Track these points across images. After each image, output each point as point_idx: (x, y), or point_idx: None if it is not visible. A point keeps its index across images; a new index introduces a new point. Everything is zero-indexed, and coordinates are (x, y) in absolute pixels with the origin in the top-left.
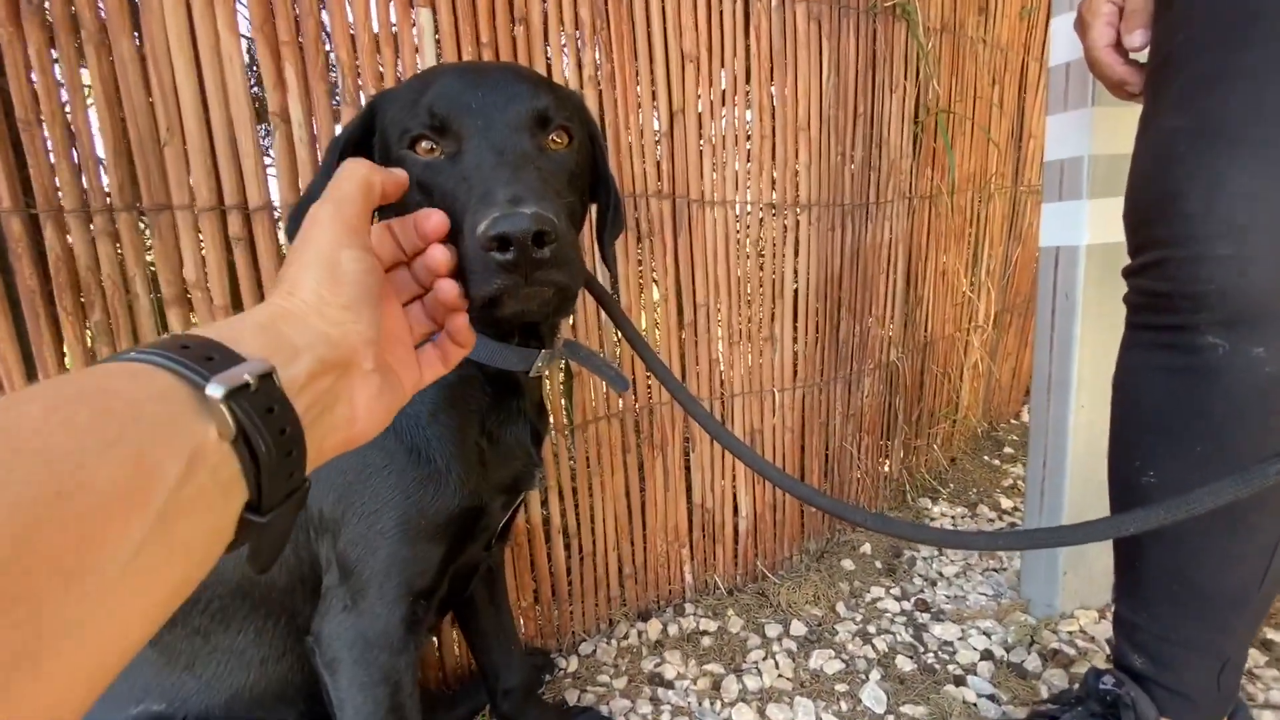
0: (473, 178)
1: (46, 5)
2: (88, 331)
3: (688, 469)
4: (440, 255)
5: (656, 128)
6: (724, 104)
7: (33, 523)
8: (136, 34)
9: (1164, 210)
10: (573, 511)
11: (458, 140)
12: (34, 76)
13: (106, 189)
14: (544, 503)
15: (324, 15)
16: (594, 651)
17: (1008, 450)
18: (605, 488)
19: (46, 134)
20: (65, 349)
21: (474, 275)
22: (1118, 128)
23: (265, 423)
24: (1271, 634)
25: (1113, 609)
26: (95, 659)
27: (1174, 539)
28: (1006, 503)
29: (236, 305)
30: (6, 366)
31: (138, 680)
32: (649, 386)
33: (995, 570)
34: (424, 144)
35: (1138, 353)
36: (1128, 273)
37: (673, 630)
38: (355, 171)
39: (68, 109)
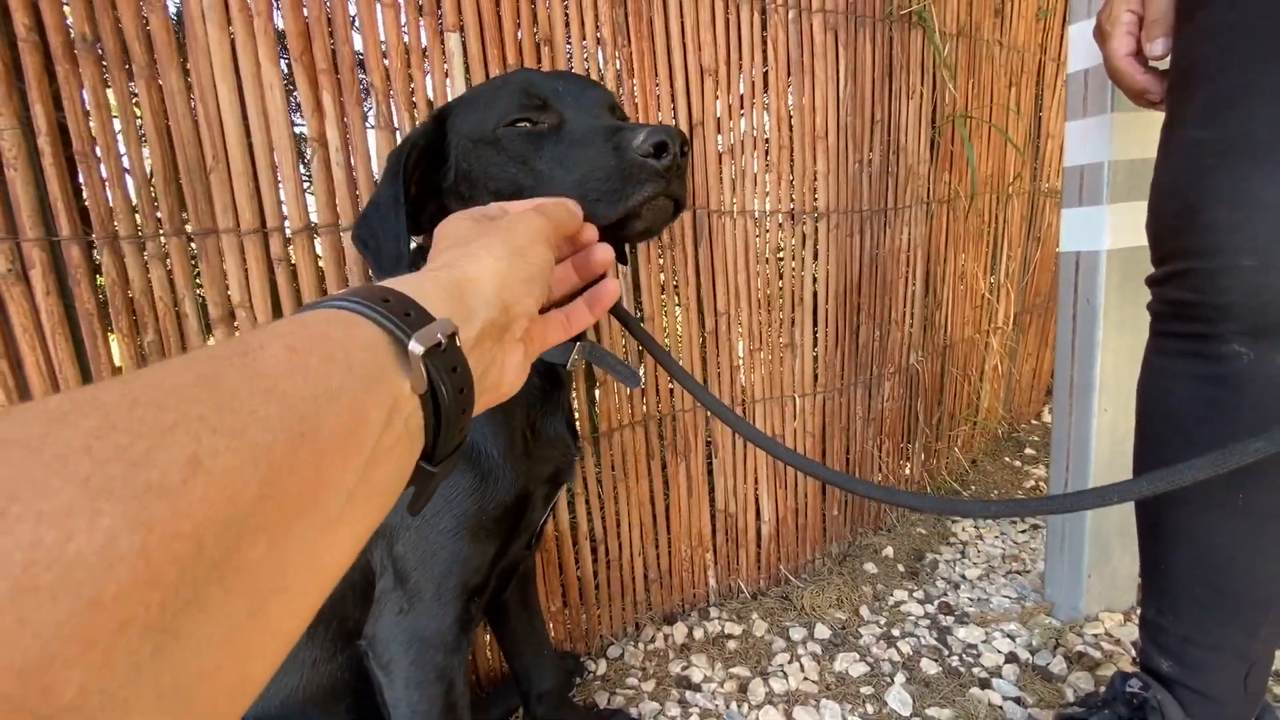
0: (591, 132)
1: (99, 43)
2: (141, 351)
3: (710, 474)
4: (606, 255)
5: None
6: (742, 115)
7: (281, 462)
8: (184, 65)
9: (1189, 222)
10: (599, 517)
11: (558, 114)
12: (89, 110)
13: (158, 215)
14: (571, 508)
15: (356, 41)
16: (621, 655)
17: (1029, 451)
18: (630, 494)
19: (102, 166)
20: (121, 368)
21: (617, 191)
22: (1138, 133)
23: (450, 380)
24: None
25: (1139, 612)
26: (311, 597)
27: (1200, 541)
28: None
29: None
30: (67, 385)
31: None
32: (671, 392)
33: (1018, 573)
34: (523, 121)
35: (1163, 360)
36: (1152, 281)
37: (698, 634)
38: (574, 209)
39: (120, 140)
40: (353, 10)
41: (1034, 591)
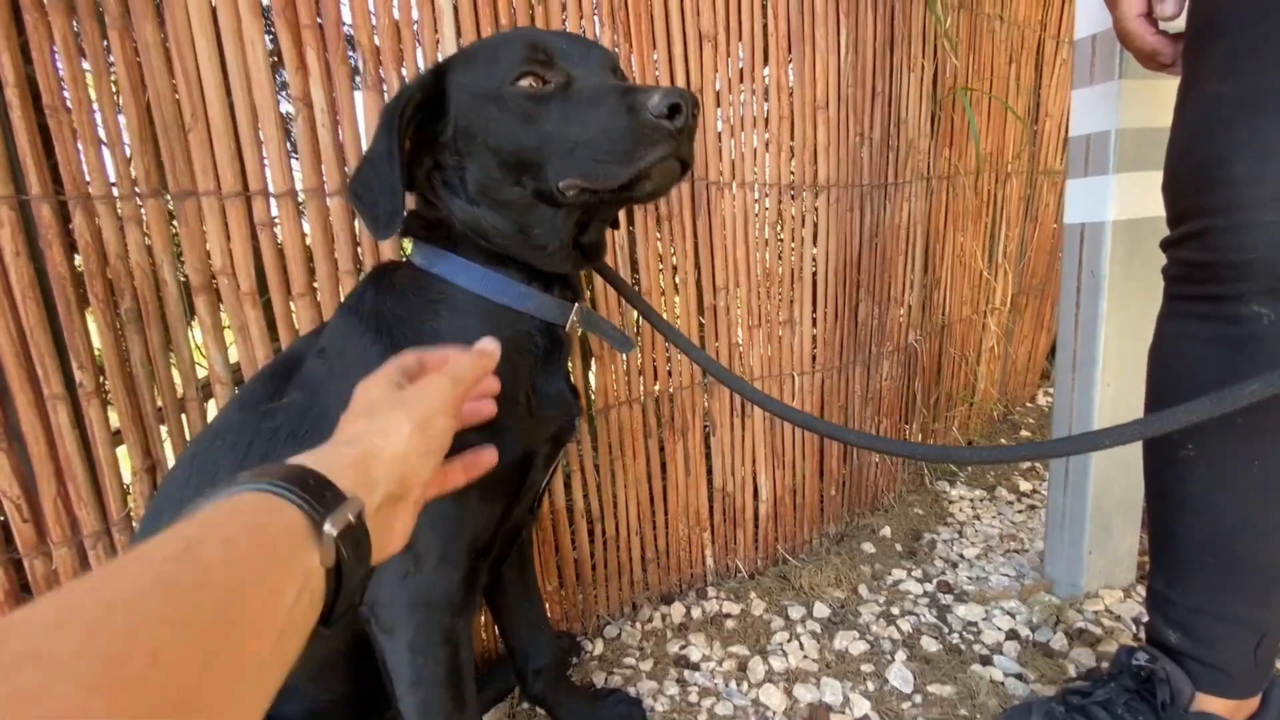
0: (600, 92)
1: None
2: (119, 319)
3: (708, 454)
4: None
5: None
6: (742, 84)
7: (217, 645)
8: (159, 16)
9: (1208, 178)
10: (595, 496)
11: (565, 73)
12: (59, 63)
13: (133, 175)
14: (567, 487)
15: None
16: (619, 635)
17: (1024, 434)
18: (627, 472)
19: (74, 120)
20: (96, 335)
21: (629, 153)
22: (1146, 100)
23: (354, 553)
24: None
25: (1146, 583)
26: None
27: (1210, 510)
28: (1025, 485)
29: (262, 291)
30: (40, 353)
31: None
32: (670, 370)
33: (1017, 552)
34: (529, 80)
35: (1177, 324)
36: (1167, 244)
37: (696, 613)
38: (475, 364)
39: (92, 95)
40: None
41: (1033, 570)
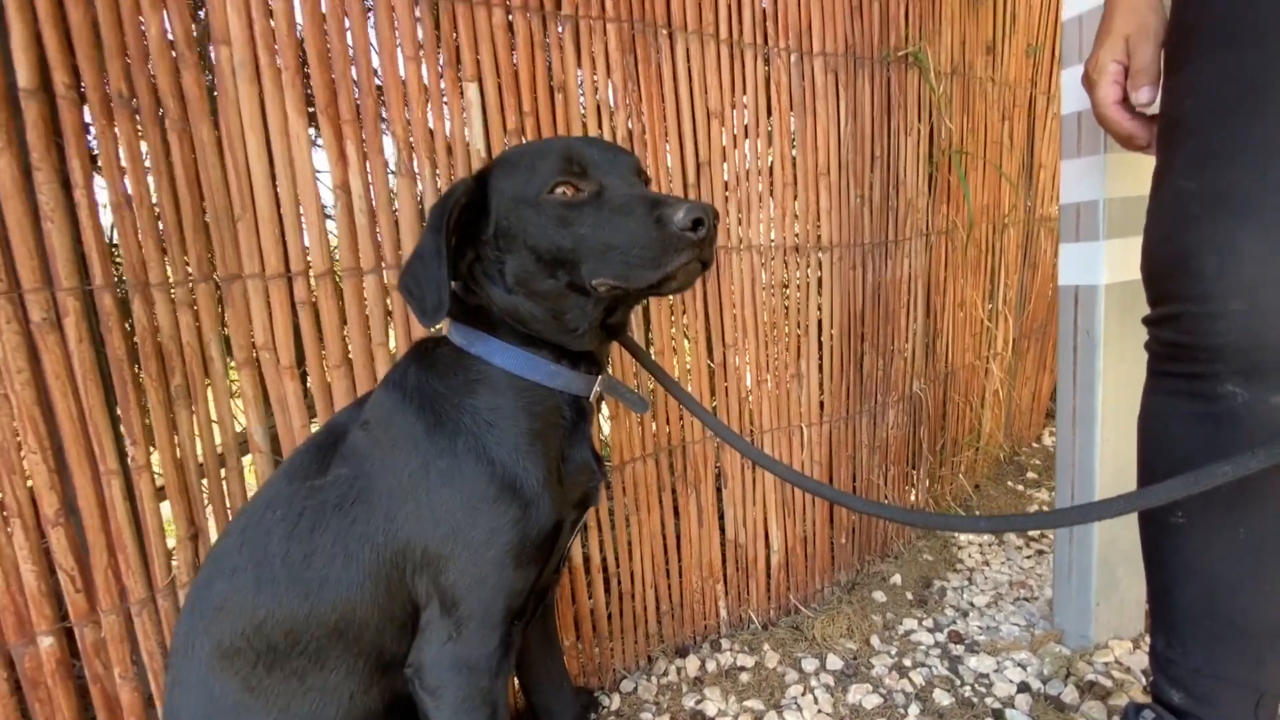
0: (630, 202)
1: (134, 99)
2: (169, 395)
3: (720, 505)
4: None
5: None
6: (747, 154)
7: None
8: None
9: (1180, 268)
10: (612, 549)
11: (597, 182)
12: (124, 164)
13: (187, 263)
14: (584, 541)
15: (378, 88)
16: (635, 689)
17: (1030, 475)
18: (642, 525)
19: (135, 215)
20: (149, 412)
21: (656, 259)
22: (1131, 172)
23: None
24: None
25: (1148, 642)
26: None
27: (1204, 575)
28: (1033, 530)
29: (300, 364)
30: (97, 431)
31: None
32: (682, 424)
33: (1026, 599)
34: (563, 188)
35: (1161, 398)
36: (1148, 321)
37: (710, 666)
38: None
39: (154, 191)
40: (375, 63)
41: (1043, 619)
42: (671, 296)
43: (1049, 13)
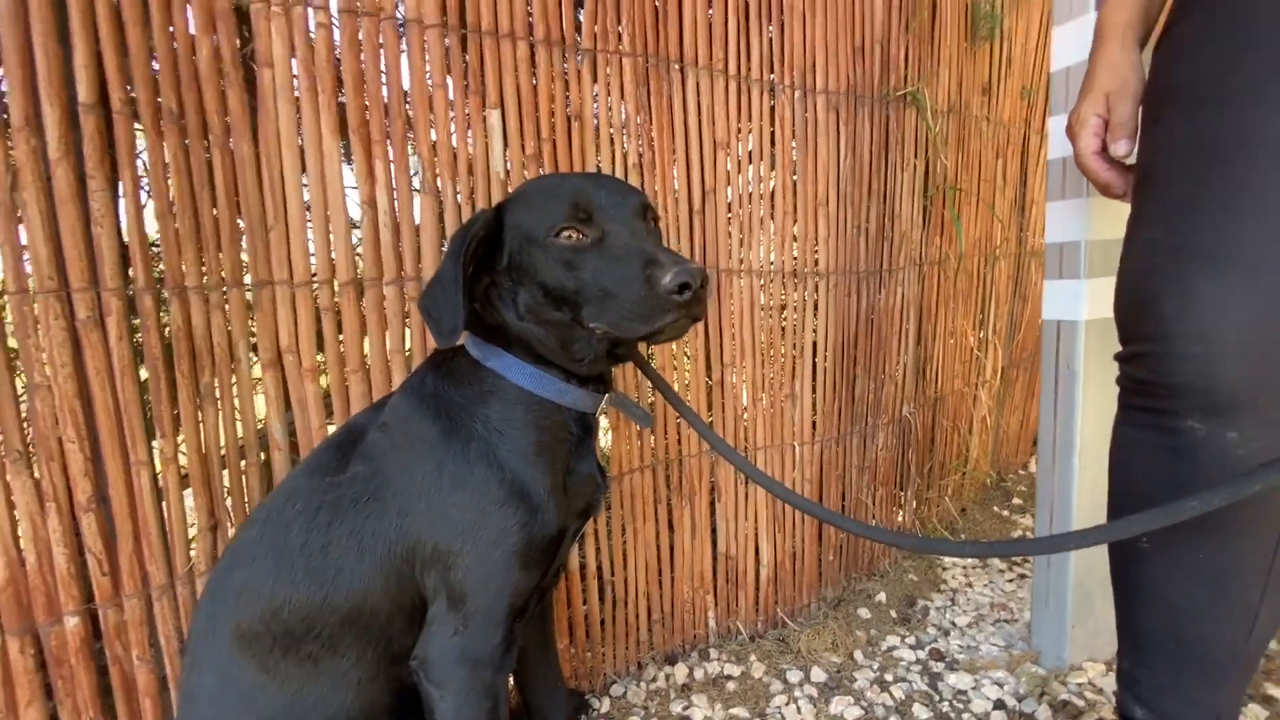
0: (628, 253)
1: (183, 116)
2: (198, 393)
3: (713, 518)
4: None
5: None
6: (750, 183)
7: None
8: (254, 134)
9: (1145, 311)
10: (607, 557)
11: (600, 228)
12: (169, 176)
13: (221, 270)
14: (581, 548)
15: (408, 113)
16: (624, 694)
17: (1016, 501)
18: (638, 535)
19: (177, 223)
20: (179, 408)
21: (647, 315)
22: (1114, 215)
23: None
24: (1273, 689)
25: (1116, 664)
26: None
27: (1167, 599)
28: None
29: (320, 367)
30: (131, 425)
31: (252, 709)
32: (680, 438)
33: (1006, 621)
34: (569, 233)
35: (1129, 430)
36: (1118, 358)
37: (699, 674)
38: None
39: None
40: (406, 86)
41: (1021, 640)
42: None
43: (1043, 57)
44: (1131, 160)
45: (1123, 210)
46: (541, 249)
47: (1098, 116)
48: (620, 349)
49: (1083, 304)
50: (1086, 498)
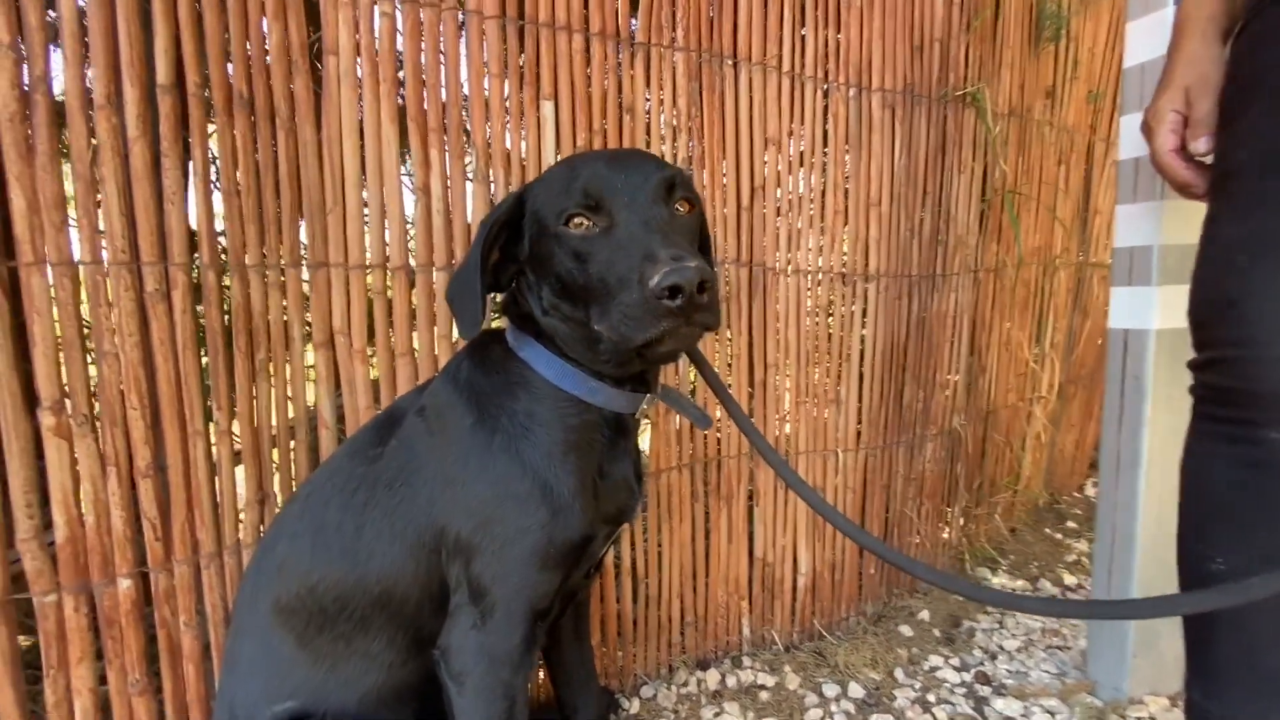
0: (630, 244)
1: (252, 100)
2: (253, 368)
3: (751, 522)
4: None
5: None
6: (800, 181)
7: None
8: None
9: (1224, 314)
10: (642, 556)
11: (610, 216)
12: (239, 156)
13: (280, 250)
14: (615, 544)
15: (464, 104)
16: (655, 696)
17: (1070, 524)
18: (674, 534)
19: (241, 202)
20: (235, 382)
21: (639, 320)
22: (1187, 219)
23: None
24: None
25: (1184, 694)
26: None
27: (1245, 627)
28: (1070, 579)
29: (370, 346)
30: (190, 397)
31: (288, 680)
32: (720, 438)
33: (1059, 648)
34: (578, 220)
35: (1204, 442)
36: (1193, 366)
37: (731, 681)
38: None
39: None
40: (463, 76)
41: (1075, 668)
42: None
43: (1111, 60)
44: (1209, 159)
45: (1196, 214)
46: (554, 238)
47: (1176, 112)
48: (649, 350)
49: (1154, 312)
50: (1152, 517)
